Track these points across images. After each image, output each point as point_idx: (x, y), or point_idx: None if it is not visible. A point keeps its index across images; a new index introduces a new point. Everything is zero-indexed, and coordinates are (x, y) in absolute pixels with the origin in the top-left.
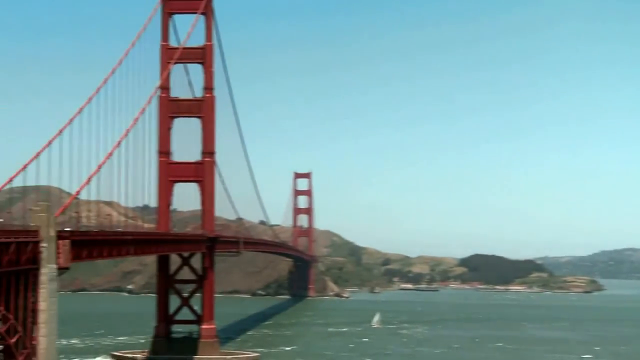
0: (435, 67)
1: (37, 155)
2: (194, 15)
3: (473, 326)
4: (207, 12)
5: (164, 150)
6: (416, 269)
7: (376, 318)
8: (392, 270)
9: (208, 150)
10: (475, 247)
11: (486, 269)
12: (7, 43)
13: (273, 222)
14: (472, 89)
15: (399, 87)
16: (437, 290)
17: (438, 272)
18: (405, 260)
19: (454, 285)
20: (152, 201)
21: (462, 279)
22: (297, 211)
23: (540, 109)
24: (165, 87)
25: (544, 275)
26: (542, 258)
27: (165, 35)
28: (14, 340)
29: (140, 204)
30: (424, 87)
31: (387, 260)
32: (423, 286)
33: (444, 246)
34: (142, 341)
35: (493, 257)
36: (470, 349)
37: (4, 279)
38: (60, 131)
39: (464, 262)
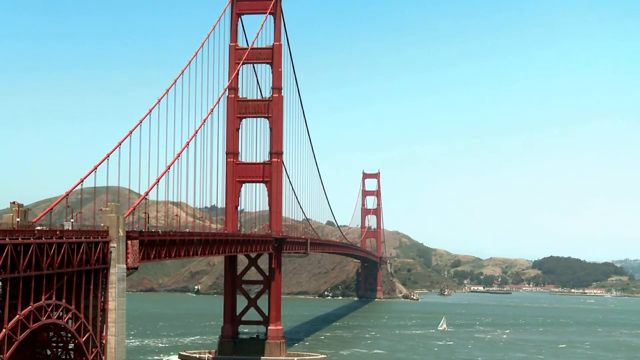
0: (512, 71)
1: (107, 156)
2: (263, 16)
3: (554, 330)
4: (276, 12)
5: (232, 151)
6: (487, 271)
7: (443, 322)
8: (463, 272)
9: (276, 151)
10: (550, 249)
11: (561, 272)
12: (74, 43)
13: (341, 222)
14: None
15: (472, 90)
16: (509, 293)
17: (510, 275)
18: (476, 262)
19: (526, 288)
20: (220, 202)
21: (536, 281)
22: (366, 212)
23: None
24: (233, 88)
25: (624, 278)
26: (622, 261)
27: (234, 36)
28: (84, 338)
29: (208, 205)
30: (497, 91)
31: (457, 261)
32: (494, 288)
33: (517, 248)
34: (210, 341)
35: (569, 259)
36: (555, 355)
37: (74, 278)
38: (130, 132)
39: (537, 264)
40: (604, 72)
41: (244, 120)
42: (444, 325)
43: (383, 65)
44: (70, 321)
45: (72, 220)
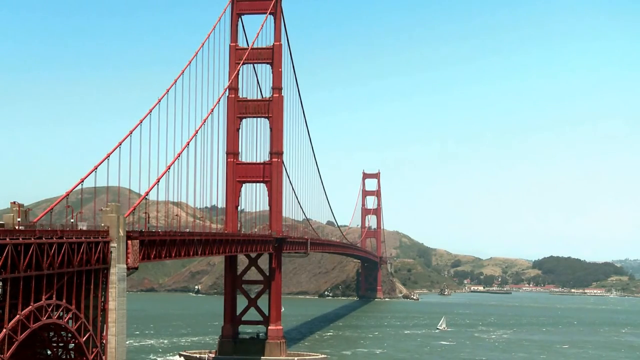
0: (513, 71)
1: (107, 156)
2: (263, 16)
3: (556, 330)
4: (276, 13)
5: (232, 151)
6: (487, 271)
7: (442, 322)
8: (463, 272)
9: (276, 151)
10: (550, 249)
11: (561, 272)
12: (74, 43)
13: (341, 222)
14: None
15: (472, 90)
16: (509, 293)
17: (510, 275)
18: (476, 261)
19: (526, 287)
20: (220, 202)
21: (536, 281)
22: (366, 212)
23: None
24: (233, 88)
25: (624, 278)
26: (622, 261)
27: (234, 36)
28: (84, 338)
29: (208, 205)
30: (498, 91)
31: (457, 261)
32: (495, 288)
33: (517, 248)
34: (210, 341)
35: (569, 259)
36: (558, 355)
37: (75, 278)
38: (130, 132)
39: (537, 264)
40: (604, 72)
41: (244, 120)
42: (444, 325)
43: (383, 65)
44: (70, 321)
45: (72, 220)
